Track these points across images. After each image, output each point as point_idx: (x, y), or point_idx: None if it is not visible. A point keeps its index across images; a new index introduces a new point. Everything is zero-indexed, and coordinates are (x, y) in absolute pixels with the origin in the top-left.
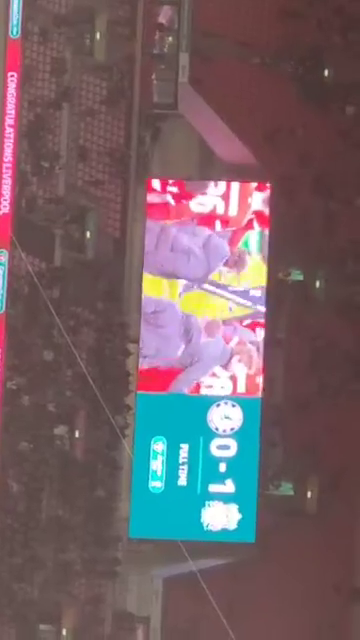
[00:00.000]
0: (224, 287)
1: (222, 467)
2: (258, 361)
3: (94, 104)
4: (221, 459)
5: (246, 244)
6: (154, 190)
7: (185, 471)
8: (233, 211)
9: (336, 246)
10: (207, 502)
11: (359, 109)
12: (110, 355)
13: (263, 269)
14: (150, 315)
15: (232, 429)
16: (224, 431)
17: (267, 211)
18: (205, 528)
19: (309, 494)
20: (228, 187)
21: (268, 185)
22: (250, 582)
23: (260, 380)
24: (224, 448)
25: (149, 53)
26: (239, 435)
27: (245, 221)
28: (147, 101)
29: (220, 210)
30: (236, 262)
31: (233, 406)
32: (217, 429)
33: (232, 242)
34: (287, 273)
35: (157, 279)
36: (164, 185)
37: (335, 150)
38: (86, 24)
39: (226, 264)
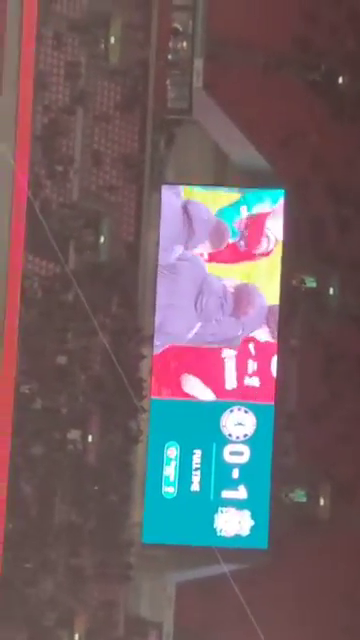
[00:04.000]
0: None
1: (235, 473)
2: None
3: (108, 109)
4: (234, 465)
5: None
6: None
7: (198, 477)
8: None
9: (350, 253)
10: (220, 508)
11: None
12: (124, 359)
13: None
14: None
15: (245, 435)
16: (237, 437)
17: None
18: (218, 534)
19: (322, 501)
20: None
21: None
22: (263, 588)
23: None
24: (237, 454)
25: (163, 58)
26: (252, 441)
27: None
28: (161, 106)
29: None
30: None
31: (246, 412)
32: (230, 435)
33: None
34: (301, 280)
35: None
36: None
37: (350, 156)
38: (101, 29)
39: None
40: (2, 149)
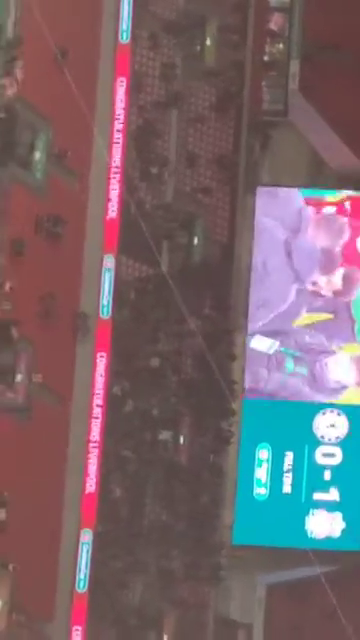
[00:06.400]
0: None
1: (327, 475)
2: None
3: (203, 110)
4: (326, 467)
5: None
6: None
7: (290, 478)
8: None
9: None
10: (311, 510)
11: None
12: (216, 361)
13: None
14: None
15: (337, 437)
16: (329, 439)
17: None
18: (309, 536)
19: None
20: None
21: None
22: (354, 590)
23: None
24: (329, 456)
25: (259, 60)
26: (344, 443)
27: None
28: (256, 108)
29: None
30: None
31: (339, 414)
32: (322, 437)
33: None
34: None
35: None
36: None
37: None
38: (196, 30)
39: None
40: (98, 148)
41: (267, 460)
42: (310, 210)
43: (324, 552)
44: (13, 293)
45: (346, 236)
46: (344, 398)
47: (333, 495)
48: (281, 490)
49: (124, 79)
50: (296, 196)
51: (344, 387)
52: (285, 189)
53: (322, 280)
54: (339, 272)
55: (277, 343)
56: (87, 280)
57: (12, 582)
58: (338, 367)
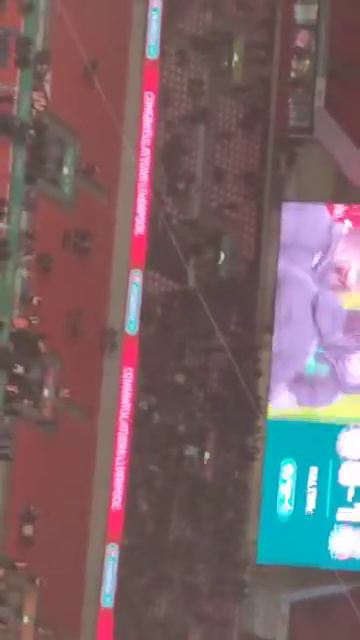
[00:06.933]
0: None
1: (351, 493)
2: None
3: (230, 126)
4: (350, 485)
5: None
6: None
7: (314, 496)
8: None
9: None
10: (335, 528)
11: None
12: (242, 377)
13: None
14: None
15: None
16: (353, 458)
17: None
18: (332, 555)
19: None
20: None
21: None
22: None
23: None
24: (354, 474)
25: (286, 77)
26: None
27: None
28: (283, 125)
29: None
30: None
31: None
32: (346, 455)
33: None
34: None
35: None
36: None
37: None
38: (224, 47)
39: None
40: (127, 163)
41: (291, 477)
42: (339, 226)
43: (349, 571)
44: (41, 307)
45: None
46: None
47: (357, 513)
48: (305, 507)
49: (152, 94)
50: (324, 212)
51: None
52: (311, 205)
53: None
54: None
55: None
56: (114, 295)
57: (39, 597)
58: None
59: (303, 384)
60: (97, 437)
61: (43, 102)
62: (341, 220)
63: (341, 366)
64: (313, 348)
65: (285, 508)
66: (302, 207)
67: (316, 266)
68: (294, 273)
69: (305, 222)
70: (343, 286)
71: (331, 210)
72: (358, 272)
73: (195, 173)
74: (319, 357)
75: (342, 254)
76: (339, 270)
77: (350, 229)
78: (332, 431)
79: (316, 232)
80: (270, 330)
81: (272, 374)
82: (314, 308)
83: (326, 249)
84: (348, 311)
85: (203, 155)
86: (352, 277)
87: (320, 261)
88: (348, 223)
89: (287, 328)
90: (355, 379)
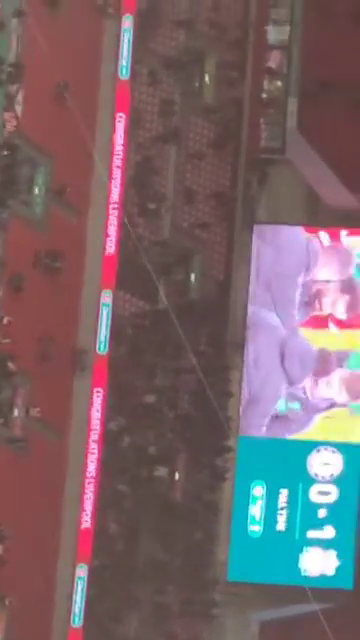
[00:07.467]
0: None
1: (321, 513)
2: None
3: (201, 146)
4: (320, 505)
5: None
6: None
7: (284, 516)
8: None
9: None
10: (305, 547)
11: None
12: (213, 397)
13: None
14: None
15: (332, 475)
16: (323, 477)
17: None
18: (303, 573)
19: None
20: None
21: None
22: (348, 628)
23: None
24: (324, 494)
25: (257, 97)
26: (339, 481)
27: None
28: (254, 145)
29: None
30: None
31: (333, 452)
32: (317, 475)
33: None
34: None
35: None
36: None
37: None
38: (195, 67)
39: None
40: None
41: (261, 497)
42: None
43: (319, 589)
44: (11, 327)
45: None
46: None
47: (327, 533)
48: (275, 527)
49: (123, 115)
50: (299, 232)
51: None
52: (285, 227)
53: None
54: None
55: None
56: (85, 315)
57: (8, 617)
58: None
59: (276, 422)
60: (67, 457)
61: (14, 122)
62: (316, 238)
63: (311, 393)
64: (283, 392)
65: (255, 528)
66: (275, 229)
67: (290, 294)
68: (262, 315)
69: (279, 244)
70: (317, 318)
71: (306, 230)
72: (333, 299)
73: (166, 193)
74: (289, 396)
75: (319, 273)
76: (317, 294)
77: (324, 247)
78: (302, 450)
79: (289, 253)
80: (240, 351)
81: (245, 421)
82: (282, 355)
83: (300, 271)
84: (319, 351)
85: (174, 175)
86: (326, 303)
87: (297, 283)
88: (323, 240)
89: (256, 373)
90: (325, 401)
